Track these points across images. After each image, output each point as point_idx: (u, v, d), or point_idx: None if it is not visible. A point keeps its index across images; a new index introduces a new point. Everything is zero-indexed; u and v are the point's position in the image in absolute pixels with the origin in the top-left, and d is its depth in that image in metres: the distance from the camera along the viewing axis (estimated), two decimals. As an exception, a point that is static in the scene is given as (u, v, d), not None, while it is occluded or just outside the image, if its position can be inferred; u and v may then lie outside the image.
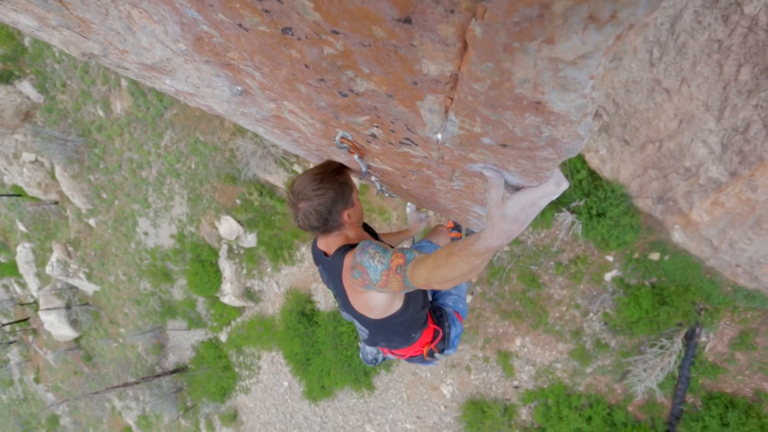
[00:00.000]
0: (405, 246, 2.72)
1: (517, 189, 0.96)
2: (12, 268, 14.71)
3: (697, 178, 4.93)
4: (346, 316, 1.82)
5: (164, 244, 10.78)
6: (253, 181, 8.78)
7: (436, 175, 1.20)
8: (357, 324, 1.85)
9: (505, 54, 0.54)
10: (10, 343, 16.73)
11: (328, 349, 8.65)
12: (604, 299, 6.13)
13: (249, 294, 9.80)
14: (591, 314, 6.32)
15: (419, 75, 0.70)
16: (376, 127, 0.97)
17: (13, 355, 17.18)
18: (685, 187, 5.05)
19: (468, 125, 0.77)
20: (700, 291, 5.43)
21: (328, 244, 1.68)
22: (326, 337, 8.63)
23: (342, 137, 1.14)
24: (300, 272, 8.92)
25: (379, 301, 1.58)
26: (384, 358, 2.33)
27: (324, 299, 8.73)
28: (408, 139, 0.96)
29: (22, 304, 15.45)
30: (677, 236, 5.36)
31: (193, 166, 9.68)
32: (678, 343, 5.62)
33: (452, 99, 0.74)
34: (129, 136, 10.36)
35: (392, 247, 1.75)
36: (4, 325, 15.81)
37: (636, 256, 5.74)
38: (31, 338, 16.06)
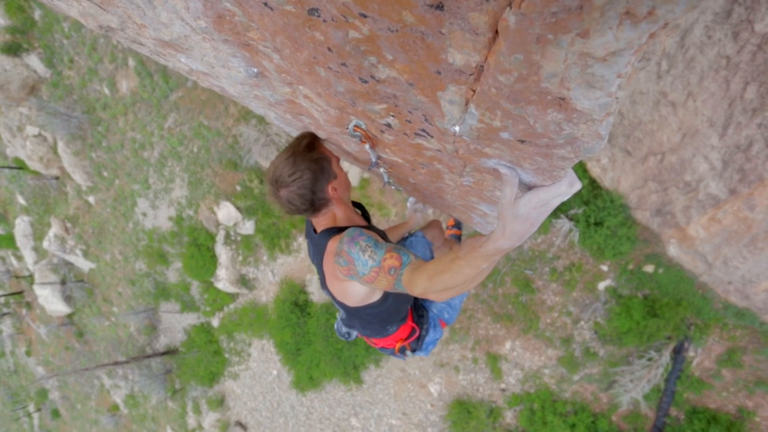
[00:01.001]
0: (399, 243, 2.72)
1: (528, 188, 0.96)
2: (9, 241, 14.67)
3: (697, 194, 4.94)
4: (325, 293, 1.80)
5: (162, 226, 10.76)
6: (254, 169, 8.77)
7: (446, 169, 1.20)
8: (335, 303, 1.85)
9: (537, 46, 0.54)
10: (3, 314, 16.71)
11: (318, 341, 8.67)
12: (596, 308, 6.16)
13: (243, 281, 9.80)
14: (582, 322, 6.34)
15: (444, 64, 0.70)
16: (393, 116, 0.97)
17: (6, 327, 17.17)
18: (684, 201, 5.07)
19: (488, 119, 0.77)
20: (691, 306, 5.46)
21: (318, 221, 1.65)
22: (318, 329, 8.65)
23: (356, 125, 1.14)
24: (296, 262, 8.92)
25: (357, 291, 1.54)
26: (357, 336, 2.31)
27: (318, 291, 8.74)
28: (424, 130, 0.96)
29: (17, 277, 15.42)
30: (673, 250, 5.39)
31: (195, 150, 9.65)
32: (666, 356, 5.65)
33: (474, 91, 0.74)
34: (133, 116, 10.32)
35: (385, 239, 1.72)
36: (-3, 296, 15.80)
37: (630, 267, 5.77)
38: (24, 311, 16.04)
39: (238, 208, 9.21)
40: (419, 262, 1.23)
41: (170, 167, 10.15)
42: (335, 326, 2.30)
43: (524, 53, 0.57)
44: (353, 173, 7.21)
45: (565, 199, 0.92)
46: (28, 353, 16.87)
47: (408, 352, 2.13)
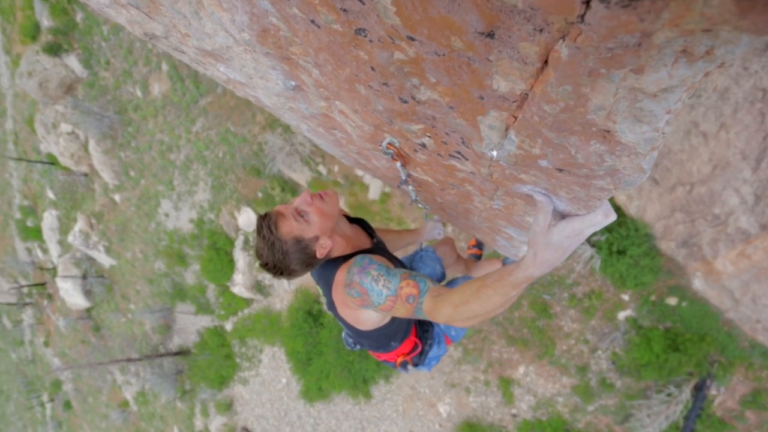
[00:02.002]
0: (407, 261, 2.66)
1: (561, 216, 0.95)
2: (37, 233, 15.08)
3: (725, 227, 4.81)
4: (331, 313, 1.79)
5: (183, 228, 10.94)
6: (276, 177, 8.87)
7: (477, 191, 1.20)
8: (342, 324, 1.85)
9: (588, 79, 0.54)
10: (26, 304, 17.11)
11: (330, 352, 8.64)
12: (614, 338, 6.00)
13: (259, 287, 9.86)
14: (599, 351, 6.19)
15: (488, 90, 0.70)
16: (429, 136, 0.97)
17: (27, 316, 17.57)
18: (712, 234, 4.94)
19: (527, 146, 0.77)
20: (715, 342, 5.28)
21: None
22: (330, 340, 8.62)
23: (389, 143, 1.15)
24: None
25: (370, 317, 1.54)
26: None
27: (332, 301, 8.73)
28: (459, 152, 0.97)
29: (41, 269, 15.81)
30: (698, 284, 5.24)
31: (220, 155, 9.82)
32: (686, 393, 5.46)
33: (516, 117, 0.74)
34: (162, 119, 10.58)
35: (394, 259, 1.71)
36: (22, 286, 16.18)
37: (653, 298, 5.62)
38: (45, 302, 16.41)
39: (258, 215, 9.32)
40: (438, 289, 1.22)
41: (195, 170, 10.34)
42: (342, 335, 2.29)
43: (573, 85, 0.56)
44: (375, 187, 7.24)
45: (598, 229, 0.91)
46: (46, 344, 17.22)
47: (409, 366, 2.11)
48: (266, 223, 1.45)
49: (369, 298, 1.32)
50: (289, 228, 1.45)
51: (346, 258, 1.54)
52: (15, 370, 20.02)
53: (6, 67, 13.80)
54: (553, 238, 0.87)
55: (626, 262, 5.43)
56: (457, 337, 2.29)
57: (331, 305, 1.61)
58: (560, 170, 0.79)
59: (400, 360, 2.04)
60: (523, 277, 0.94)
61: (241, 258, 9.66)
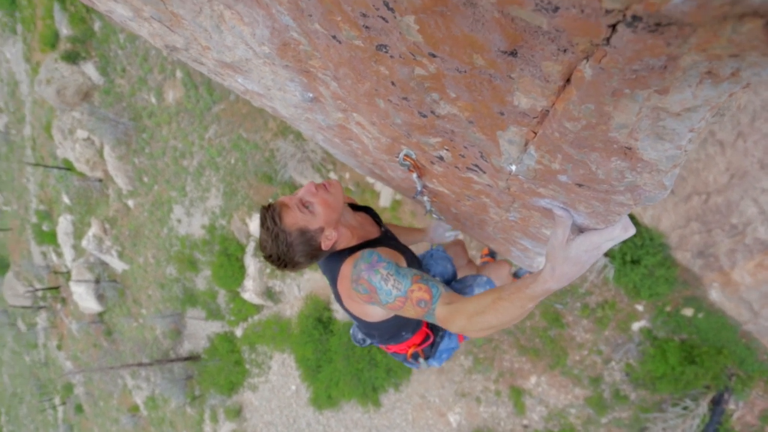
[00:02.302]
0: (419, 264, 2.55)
1: (579, 229, 0.94)
2: (52, 237, 15.31)
3: (743, 237, 4.74)
4: (338, 305, 1.75)
5: (195, 234, 11.03)
6: (288, 183, 8.93)
7: (493, 203, 1.20)
8: (350, 317, 1.80)
9: (611, 98, 0.54)
10: (40, 308, 17.34)
11: (339, 359, 8.62)
12: (628, 349, 5.92)
13: (269, 293, 9.90)
14: (613, 363, 6.10)
15: (508, 106, 0.71)
16: (446, 150, 0.98)
17: (41, 320, 17.80)
18: (729, 244, 4.87)
19: (547, 161, 0.77)
20: (733, 355, 5.17)
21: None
22: (339, 347, 8.61)
23: (406, 155, 1.16)
24: (322, 279, 8.96)
25: (378, 312, 1.52)
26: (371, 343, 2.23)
27: (342, 309, 8.72)
28: (476, 165, 0.97)
29: (56, 273, 16.02)
30: (714, 295, 5.15)
31: (232, 162, 9.92)
32: (703, 407, 5.35)
33: (536, 133, 0.74)
34: (176, 125, 10.72)
35: (404, 249, 1.65)
36: (36, 290, 16.42)
37: (668, 309, 5.54)
38: (59, 306, 16.62)
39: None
40: (450, 295, 1.21)
41: (207, 177, 10.44)
42: (351, 331, 2.27)
43: (596, 104, 0.57)
44: (386, 194, 7.25)
45: (617, 243, 0.91)
46: (59, 347, 17.41)
47: (421, 360, 2.06)
48: (270, 214, 1.43)
49: (377, 296, 1.31)
50: (294, 219, 1.43)
51: (352, 250, 1.52)
52: (28, 373, 20.26)
53: (26, 74, 14.10)
54: (571, 252, 0.87)
55: (640, 272, 5.37)
56: None
57: (337, 297, 1.61)
58: (580, 185, 0.79)
59: (411, 351, 2.00)
60: (541, 291, 0.94)
61: (252, 264, 9.71)
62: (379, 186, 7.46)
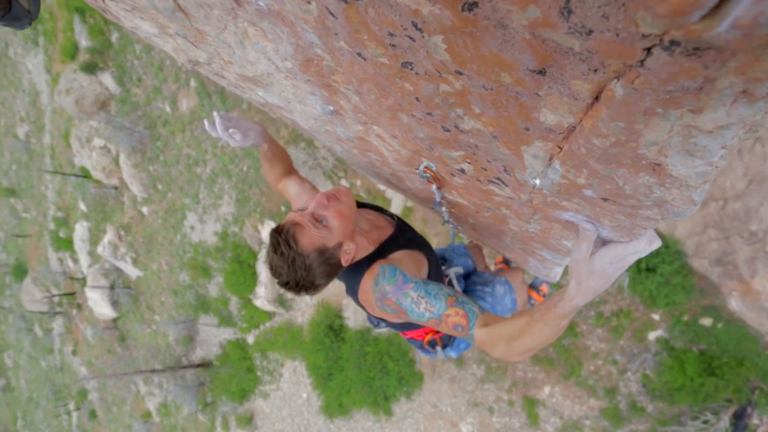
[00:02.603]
0: (440, 253, 2.36)
1: (602, 242, 0.94)
2: (69, 244, 15.56)
3: (764, 245, 4.66)
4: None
5: (207, 240, 11.13)
6: (301, 191, 8.98)
7: (513, 215, 1.20)
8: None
9: (642, 117, 0.54)
10: (56, 313, 17.58)
11: (351, 367, 8.60)
12: (645, 359, 5.82)
13: (281, 301, 9.93)
14: (629, 373, 6.01)
15: (534, 122, 0.71)
16: (468, 163, 0.99)
17: (57, 325, 18.04)
18: (749, 252, 4.78)
19: (572, 175, 0.77)
20: (755, 367, 5.06)
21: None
22: (351, 355, 8.60)
23: (426, 167, 1.16)
24: (333, 286, 8.94)
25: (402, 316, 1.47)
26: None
27: (354, 316, 8.72)
28: (499, 178, 0.97)
29: (72, 279, 16.26)
30: (734, 304, 5.06)
31: (245, 169, 10.01)
32: (725, 421, 5.24)
33: (561, 148, 0.74)
34: (190, 134, 10.86)
35: (421, 242, 1.55)
36: (53, 296, 16.66)
37: (685, 318, 5.45)
38: (75, 312, 16.84)
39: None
40: (486, 317, 1.17)
41: (220, 184, 10.55)
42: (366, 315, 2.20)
43: (626, 122, 0.57)
44: (397, 201, 7.25)
45: (642, 255, 0.90)
46: (74, 353, 17.61)
47: (438, 348, 1.98)
48: (283, 238, 1.29)
49: (408, 317, 1.26)
50: (310, 239, 1.30)
51: (370, 260, 1.41)
52: (44, 378, 20.51)
53: (46, 85, 14.42)
54: (595, 265, 0.87)
55: (656, 280, 5.29)
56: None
57: (357, 302, 1.52)
58: (605, 199, 0.79)
59: (428, 338, 1.92)
60: (570, 308, 0.94)
61: (264, 271, 9.76)
62: (390, 193, 7.47)
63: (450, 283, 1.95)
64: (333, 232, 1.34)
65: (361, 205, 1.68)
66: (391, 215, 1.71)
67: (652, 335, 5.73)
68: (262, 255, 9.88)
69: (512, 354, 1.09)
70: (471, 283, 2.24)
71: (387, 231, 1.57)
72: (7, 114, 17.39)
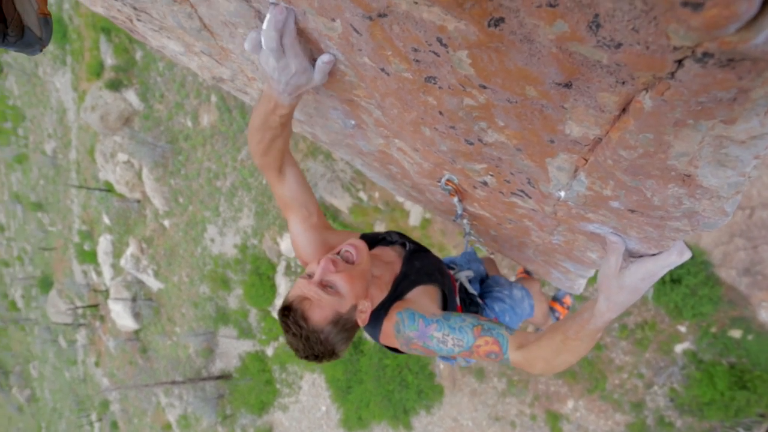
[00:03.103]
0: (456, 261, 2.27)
1: (630, 254, 0.93)
2: (93, 256, 15.92)
3: (794, 256, 4.51)
4: None
5: (227, 253, 11.26)
6: (319, 203, 9.04)
7: (536, 227, 1.19)
8: None
9: (672, 128, 0.54)
10: (80, 325, 17.94)
11: (370, 380, 8.55)
12: (672, 372, 5.66)
13: (300, 312, 9.96)
14: (656, 387, 5.84)
15: (559, 134, 0.71)
16: (491, 175, 0.99)
17: (81, 337, 18.40)
18: (779, 263, 4.64)
19: (598, 187, 0.76)
20: (788, 381, 4.88)
21: None
22: (370, 368, 8.55)
23: (448, 180, 1.17)
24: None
25: None
26: None
27: (372, 328, 8.68)
28: (522, 191, 0.97)
29: (95, 291, 16.60)
30: (765, 315, 4.90)
31: (264, 182, 10.14)
32: (757, 436, 5.04)
33: (587, 160, 0.74)
34: (210, 148, 11.07)
35: (433, 279, 1.47)
36: (77, 307, 17.02)
37: (713, 330, 5.29)
38: (98, 324, 17.16)
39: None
40: (517, 338, 1.15)
41: (240, 197, 10.69)
42: None
43: (655, 133, 0.56)
44: (415, 212, 7.25)
45: (672, 268, 0.88)
46: (97, 364, 17.91)
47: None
48: (293, 319, 1.21)
49: (436, 354, 1.25)
50: (321, 313, 1.22)
51: (386, 306, 1.35)
52: (68, 389, 20.87)
53: (73, 102, 14.90)
54: (626, 281, 0.86)
55: (682, 291, 5.16)
56: (512, 324, 2.09)
57: (381, 345, 1.48)
58: (632, 211, 0.78)
59: None
60: (602, 323, 0.95)
61: (283, 283, 9.81)
62: (408, 205, 7.47)
63: (461, 288, 1.89)
64: (345, 297, 1.25)
65: (371, 238, 1.61)
66: (396, 241, 1.63)
67: (679, 348, 5.57)
68: (281, 267, 9.95)
69: (551, 371, 1.10)
70: (486, 286, 2.22)
71: (396, 266, 1.50)
72: (36, 131, 17.99)
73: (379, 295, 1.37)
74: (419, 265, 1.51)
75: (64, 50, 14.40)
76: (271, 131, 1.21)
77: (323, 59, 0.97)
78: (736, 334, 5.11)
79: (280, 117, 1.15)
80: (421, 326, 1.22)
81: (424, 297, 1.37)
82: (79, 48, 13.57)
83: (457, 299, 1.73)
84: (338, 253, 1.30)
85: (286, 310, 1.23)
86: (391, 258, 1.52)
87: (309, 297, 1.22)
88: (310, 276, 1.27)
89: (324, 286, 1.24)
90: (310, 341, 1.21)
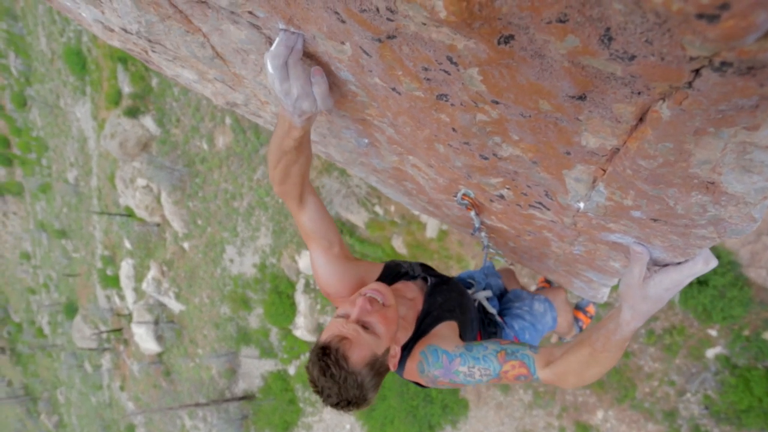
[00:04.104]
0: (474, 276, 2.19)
1: (654, 262, 0.90)
2: (115, 281, 16.21)
3: (826, 253, 4.36)
4: None
5: (246, 273, 11.35)
6: (335, 219, 9.08)
7: (556, 238, 1.17)
8: None
9: (692, 137, 0.53)
10: (105, 350, 18.19)
11: (393, 396, 8.46)
12: (704, 378, 5.47)
13: (321, 330, 9.95)
14: (688, 394, 5.65)
15: (575, 146, 0.70)
16: (508, 189, 0.98)
17: (106, 361, 18.64)
18: (810, 261, 4.49)
19: (618, 197, 0.75)
20: (829, 384, 4.68)
21: None
22: (393, 384, 8.47)
23: (464, 194, 1.16)
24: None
25: None
26: None
27: (393, 343, 8.61)
28: (540, 203, 0.96)
29: (118, 315, 16.85)
30: (799, 317, 4.72)
31: (280, 201, 10.23)
32: (799, 443, 4.83)
33: (605, 170, 0.73)
34: (227, 169, 11.24)
35: (453, 313, 1.45)
36: (101, 332, 17.28)
37: (746, 333, 5.12)
38: (122, 348, 17.39)
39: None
40: (542, 356, 1.14)
41: (257, 216, 10.81)
42: None
43: (675, 142, 0.55)
44: (432, 225, 7.22)
45: (698, 276, 0.86)
46: (122, 388, 18.09)
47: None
48: (333, 359, 1.15)
49: (465, 386, 1.27)
50: (360, 353, 1.18)
51: (409, 347, 1.34)
52: (94, 414, 21.09)
53: (93, 131, 15.33)
54: (650, 291, 0.85)
55: (710, 294, 5.02)
56: (533, 340, 2.05)
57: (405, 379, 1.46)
58: (655, 220, 0.76)
59: None
60: (629, 332, 0.95)
61: (303, 301, 9.83)
62: (424, 218, 7.45)
63: (480, 308, 1.87)
64: (382, 338, 1.23)
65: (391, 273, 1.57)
66: (418, 275, 1.59)
67: (711, 352, 5.40)
68: (300, 285, 9.98)
69: (583, 384, 1.10)
70: (506, 301, 2.18)
71: (418, 302, 1.48)
72: (58, 160, 18.53)
73: (404, 336, 1.35)
74: (441, 300, 1.49)
75: (84, 81, 14.87)
76: (286, 156, 1.19)
77: (314, 81, 0.97)
78: (770, 336, 4.94)
79: (294, 140, 1.14)
80: (445, 362, 1.22)
81: (445, 330, 1.36)
82: (98, 78, 14.00)
83: (476, 324, 1.70)
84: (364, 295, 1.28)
85: (324, 350, 1.17)
86: (414, 293, 1.50)
87: (348, 336, 1.19)
88: (345, 316, 1.24)
89: (364, 327, 1.21)
90: (347, 384, 1.16)
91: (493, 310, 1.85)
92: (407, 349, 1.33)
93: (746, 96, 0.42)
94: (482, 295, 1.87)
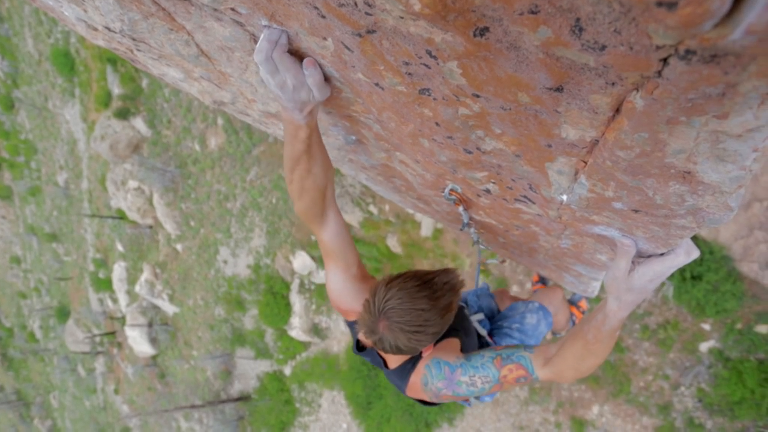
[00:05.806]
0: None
1: (638, 254, 0.92)
2: (108, 284, 16.09)
3: (815, 246, 4.41)
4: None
5: (241, 274, 11.31)
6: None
7: (543, 231, 1.18)
8: None
9: (665, 126, 0.53)
10: (98, 353, 18.06)
11: (390, 395, 8.47)
12: (698, 372, 5.52)
13: (316, 330, 9.94)
14: (682, 388, 5.70)
15: (556, 139, 0.71)
16: (493, 183, 0.98)
17: (99, 365, 18.51)
18: (799, 254, 4.54)
19: (599, 189, 0.76)
20: (819, 376, 4.74)
21: (390, 357, 1.43)
22: (389, 383, 8.47)
23: (451, 189, 1.17)
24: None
25: None
26: None
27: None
28: (525, 196, 0.97)
29: (112, 318, 16.74)
30: (789, 309, 4.78)
31: (274, 201, 10.21)
32: (792, 434, 4.89)
33: (586, 162, 0.74)
34: (219, 170, 11.20)
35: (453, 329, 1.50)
36: (95, 336, 17.16)
37: (739, 326, 5.17)
38: (115, 351, 17.28)
39: (312, 258, 9.51)
40: (538, 355, 1.18)
41: (250, 217, 10.77)
42: None
43: (650, 132, 0.56)
44: (427, 223, 7.23)
45: (680, 266, 0.88)
46: (116, 391, 17.97)
47: (471, 398, 1.95)
48: (448, 300, 1.17)
49: (469, 397, 1.30)
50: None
51: (414, 359, 1.37)
52: (88, 418, 20.94)
53: (83, 133, 15.21)
54: (634, 283, 0.87)
55: (703, 288, 5.06)
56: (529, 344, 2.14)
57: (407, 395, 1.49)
58: (636, 211, 0.77)
59: None
60: (617, 322, 0.98)
61: (298, 301, 9.82)
62: (419, 216, 7.46)
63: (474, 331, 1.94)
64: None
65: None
66: None
67: (704, 346, 5.45)
68: (295, 285, 9.97)
69: (581, 376, 1.14)
70: (497, 320, 2.23)
71: None
72: (48, 163, 18.37)
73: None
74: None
75: (72, 83, 14.75)
76: (299, 166, 1.16)
77: (308, 74, 0.95)
78: (762, 329, 4.99)
79: (302, 142, 1.11)
80: (448, 374, 1.26)
81: (447, 345, 1.41)
82: (87, 79, 13.89)
83: (476, 347, 1.75)
84: None
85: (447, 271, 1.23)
86: None
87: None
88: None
89: None
90: (424, 317, 1.15)
91: (484, 332, 1.90)
92: (412, 363, 1.36)
93: (712, 84, 0.43)
94: (474, 319, 1.92)
